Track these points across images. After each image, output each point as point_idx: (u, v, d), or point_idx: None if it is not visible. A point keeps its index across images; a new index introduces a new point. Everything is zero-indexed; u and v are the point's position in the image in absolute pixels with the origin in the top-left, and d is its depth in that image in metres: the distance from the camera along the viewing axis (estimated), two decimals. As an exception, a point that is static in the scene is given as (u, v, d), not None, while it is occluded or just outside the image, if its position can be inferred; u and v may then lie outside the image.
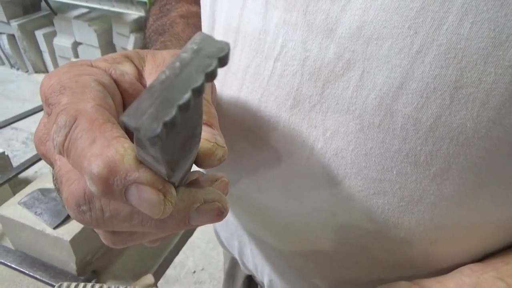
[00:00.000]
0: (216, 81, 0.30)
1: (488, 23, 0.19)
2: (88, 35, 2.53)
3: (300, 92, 0.25)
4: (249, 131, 0.28)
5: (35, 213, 0.57)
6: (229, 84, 0.29)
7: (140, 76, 0.22)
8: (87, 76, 0.19)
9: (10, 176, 0.76)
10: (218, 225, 0.41)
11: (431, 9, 0.20)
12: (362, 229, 0.26)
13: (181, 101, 0.12)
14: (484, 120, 0.21)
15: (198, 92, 0.12)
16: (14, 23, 2.73)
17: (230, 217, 0.37)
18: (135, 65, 0.22)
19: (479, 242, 0.26)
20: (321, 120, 0.25)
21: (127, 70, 0.21)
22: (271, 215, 0.30)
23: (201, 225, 0.17)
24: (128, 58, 0.22)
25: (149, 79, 0.22)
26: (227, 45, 0.13)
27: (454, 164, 0.22)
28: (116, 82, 0.21)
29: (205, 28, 0.31)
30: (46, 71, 2.99)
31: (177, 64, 0.12)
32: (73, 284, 0.27)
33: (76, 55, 2.70)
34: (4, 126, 1.14)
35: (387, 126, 0.23)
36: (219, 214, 0.17)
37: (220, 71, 0.29)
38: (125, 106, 0.20)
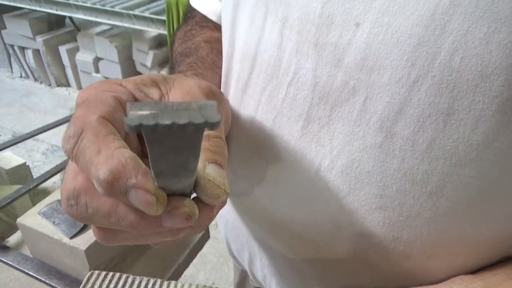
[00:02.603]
0: (234, 102, 0.33)
1: (475, 58, 0.21)
2: (109, 51, 2.62)
3: (311, 114, 0.27)
4: (263, 148, 0.30)
5: (53, 223, 0.60)
6: (246, 104, 0.31)
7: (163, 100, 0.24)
8: (109, 92, 0.22)
9: (31, 187, 0.79)
10: (230, 236, 0.43)
11: (426, 44, 0.22)
12: (365, 241, 0.28)
13: (179, 121, 0.13)
14: (474, 143, 0.23)
15: (195, 126, 0.14)
16: (39, 39, 2.85)
17: (242, 228, 0.39)
18: (160, 89, 0.24)
19: (473, 256, 0.27)
20: (328, 139, 0.27)
21: (151, 93, 0.24)
22: (281, 225, 0.32)
23: (173, 227, 0.20)
24: (155, 82, 0.24)
25: None
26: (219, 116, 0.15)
27: (448, 182, 0.24)
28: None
29: (225, 54, 0.34)
30: (67, 84, 3.09)
31: (185, 104, 0.14)
32: (103, 273, 0.29)
33: (97, 70, 2.79)
34: (28, 138, 1.18)
35: (387, 147, 0.25)
36: (188, 218, 0.19)
37: (239, 92, 0.32)
38: None
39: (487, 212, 0.25)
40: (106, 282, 0.27)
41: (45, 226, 0.59)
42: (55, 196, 0.65)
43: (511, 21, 0.20)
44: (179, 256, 0.69)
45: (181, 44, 0.42)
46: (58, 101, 2.89)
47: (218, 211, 0.23)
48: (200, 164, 0.20)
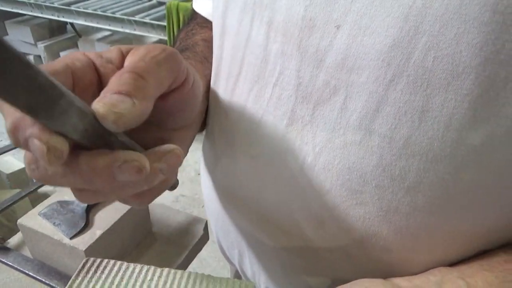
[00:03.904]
0: (223, 102, 0.34)
1: (447, 57, 0.22)
2: (110, 56, 2.63)
3: (294, 113, 0.28)
4: (250, 146, 0.32)
5: (54, 223, 0.61)
6: (234, 104, 0.33)
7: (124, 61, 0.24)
8: (64, 61, 0.22)
9: (31, 190, 0.80)
10: (220, 234, 0.44)
11: (401, 45, 0.23)
12: (347, 236, 0.29)
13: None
14: (448, 140, 0.23)
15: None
16: (41, 45, 2.87)
17: (230, 225, 0.40)
18: (122, 53, 0.24)
19: (451, 250, 0.28)
20: (311, 137, 0.28)
21: (112, 57, 0.24)
22: (267, 218, 0.33)
23: (126, 180, 0.20)
24: (119, 48, 0.25)
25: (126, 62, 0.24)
26: None
27: (425, 178, 0.25)
28: (98, 68, 0.23)
29: (215, 57, 0.35)
30: (68, 90, 3.11)
31: None
32: (98, 260, 0.29)
33: (98, 76, 2.81)
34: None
35: (366, 144, 0.26)
36: (138, 172, 0.20)
37: (228, 93, 0.33)
38: (102, 87, 0.22)
39: (463, 207, 0.26)
40: (101, 268, 0.28)
41: (46, 227, 0.60)
42: (55, 197, 0.66)
43: (479, 23, 0.21)
44: (178, 257, 0.69)
45: (181, 43, 0.44)
46: (59, 107, 2.90)
47: None
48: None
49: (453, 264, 0.29)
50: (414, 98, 0.23)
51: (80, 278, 0.28)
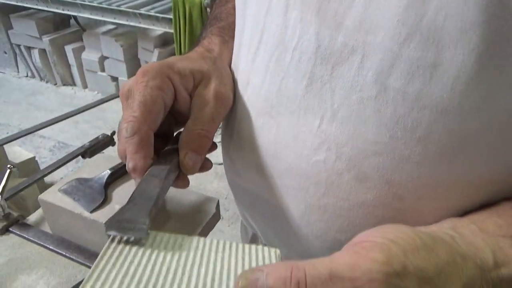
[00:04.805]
0: (244, 71, 0.37)
1: (456, 16, 0.24)
2: (115, 50, 2.66)
3: (314, 73, 0.31)
4: (271, 107, 0.34)
5: (74, 199, 0.63)
6: (255, 71, 0.35)
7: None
8: (160, 93, 0.34)
9: (38, 177, 0.82)
10: (238, 197, 0.47)
11: (414, 6, 0.25)
12: (362, 186, 0.31)
13: None
14: (457, 92, 0.26)
15: None
16: (46, 38, 2.89)
17: (249, 189, 0.42)
18: (194, 82, 0.37)
19: (460, 200, 0.30)
20: (330, 95, 0.30)
21: (186, 85, 0.37)
22: (286, 175, 0.36)
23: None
24: (193, 77, 0.37)
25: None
26: None
27: (435, 129, 0.27)
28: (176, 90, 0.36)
29: (237, 28, 0.38)
30: (73, 84, 3.13)
31: None
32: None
33: (103, 69, 2.83)
34: (34, 131, 1.21)
35: (381, 98, 0.28)
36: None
37: (249, 61, 0.36)
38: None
39: (469, 157, 0.28)
40: (129, 245, 0.28)
41: (66, 202, 0.62)
42: (74, 176, 0.68)
43: None
44: (192, 234, 0.71)
45: (216, 9, 0.47)
46: (64, 100, 2.93)
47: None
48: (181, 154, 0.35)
49: (461, 215, 0.31)
50: (426, 54, 0.26)
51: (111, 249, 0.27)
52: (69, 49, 2.92)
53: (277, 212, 0.39)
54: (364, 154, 0.30)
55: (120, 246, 0.27)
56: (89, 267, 0.63)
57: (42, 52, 3.04)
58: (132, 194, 0.30)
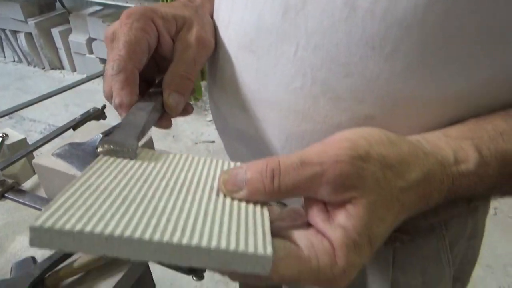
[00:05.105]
0: (224, 16, 0.39)
1: None
2: (102, 31, 2.63)
3: (288, 3, 0.32)
4: (252, 43, 0.36)
5: (67, 162, 0.64)
6: (235, 12, 0.37)
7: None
8: (145, 35, 0.35)
9: (31, 149, 0.83)
10: (221, 133, 0.49)
11: None
12: (337, 107, 0.33)
13: None
14: (420, 6, 0.27)
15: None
16: (32, 22, 2.85)
17: (230, 122, 0.44)
18: (176, 27, 0.38)
19: (428, 117, 0.32)
20: (303, 22, 0.32)
21: (169, 29, 0.37)
22: (267, 104, 0.37)
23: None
24: (175, 21, 0.38)
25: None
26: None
27: (401, 45, 0.29)
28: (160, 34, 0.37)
29: None
30: (61, 67, 3.10)
31: None
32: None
33: (91, 51, 2.80)
34: (20, 109, 1.21)
35: (351, 20, 0.30)
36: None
37: (228, 6, 0.37)
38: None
39: (437, 73, 0.30)
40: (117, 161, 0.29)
41: (60, 165, 0.64)
42: (67, 141, 0.69)
43: None
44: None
45: None
46: (53, 84, 2.90)
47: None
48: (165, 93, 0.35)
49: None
50: None
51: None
52: (55, 32, 2.88)
53: (262, 147, 0.41)
54: (337, 76, 0.32)
55: (108, 162, 0.28)
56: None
57: (28, 36, 2.99)
58: (119, 123, 0.31)
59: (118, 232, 0.21)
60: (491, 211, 1.82)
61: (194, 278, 0.61)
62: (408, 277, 0.46)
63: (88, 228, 0.21)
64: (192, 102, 2.71)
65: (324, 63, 0.32)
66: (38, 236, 0.21)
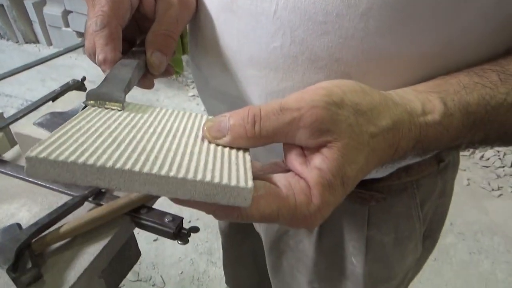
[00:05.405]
0: None
1: None
2: (78, 3, 2.54)
3: None
4: (232, 2, 0.37)
5: (49, 131, 0.64)
6: None
7: None
8: None
9: (10, 121, 0.81)
10: (201, 95, 0.50)
11: None
12: (315, 66, 0.35)
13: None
14: None
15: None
16: (3, -8, 2.73)
17: (213, 86, 0.45)
18: None
19: (401, 75, 0.34)
20: None
21: None
22: (248, 61, 0.38)
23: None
24: None
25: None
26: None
27: (375, 4, 0.30)
28: None
29: None
30: (36, 41, 3.00)
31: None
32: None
33: (67, 24, 2.72)
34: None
35: None
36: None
37: None
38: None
39: (410, 31, 0.31)
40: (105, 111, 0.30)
41: (41, 134, 0.63)
42: (48, 110, 0.69)
43: None
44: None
45: None
46: (28, 58, 2.81)
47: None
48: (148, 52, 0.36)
49: None
50: None
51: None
52: (29, 3, 2.77)
53: (242, 106, 0.42)
54: (314, 35, 0.33)
55: (97, 111, 0.29)
56: (70, 196, 0.65)
57: (0, 8, 2.87)
58: (105, 77, 0.32)
59: (109, 163, 0.22)
60: (464, 181, 1.90)
61: (179, 242, 0.63)
62: (382, 233, 0.49)
63: (81, 160, 0.22)
64: (173, 78, 2.67)
65: (302, 22, 0.33)
66: (34, 166, 0.22)
